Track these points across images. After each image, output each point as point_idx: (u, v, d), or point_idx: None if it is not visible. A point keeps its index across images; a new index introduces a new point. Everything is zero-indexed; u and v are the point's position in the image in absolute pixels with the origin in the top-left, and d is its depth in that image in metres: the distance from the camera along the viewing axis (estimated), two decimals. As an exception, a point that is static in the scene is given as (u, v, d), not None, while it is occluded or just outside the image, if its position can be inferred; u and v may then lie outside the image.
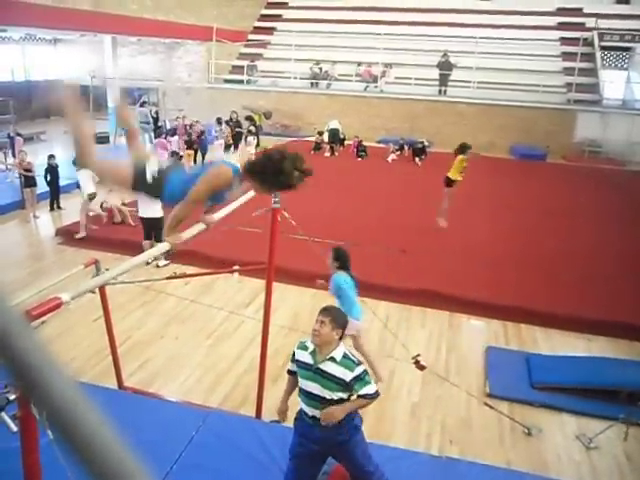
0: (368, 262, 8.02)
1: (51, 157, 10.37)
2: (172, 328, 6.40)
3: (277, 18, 24.77)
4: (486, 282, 7.57)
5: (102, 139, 17.83)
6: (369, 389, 3.16)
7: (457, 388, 5.17)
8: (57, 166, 10.50)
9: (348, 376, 3.10)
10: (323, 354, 3.16)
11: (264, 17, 25.05)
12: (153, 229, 7.86)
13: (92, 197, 8.96)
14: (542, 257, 8.72)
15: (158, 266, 7.95)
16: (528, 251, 8.97)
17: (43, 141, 18.87)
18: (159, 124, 17.73)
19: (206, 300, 6.75)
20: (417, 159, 16.37)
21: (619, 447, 4.69)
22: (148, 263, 8.02)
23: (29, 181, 10.19)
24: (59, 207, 10.84)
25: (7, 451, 2.66)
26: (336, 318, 3.18)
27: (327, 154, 17.07)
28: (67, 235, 9.20)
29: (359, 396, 3.17)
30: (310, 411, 3.24)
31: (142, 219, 8.00)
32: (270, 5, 25.43)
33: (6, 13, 11.99)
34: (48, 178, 10.45)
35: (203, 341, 6.13)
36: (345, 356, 3.17)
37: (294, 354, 3.36)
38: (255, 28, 24.51)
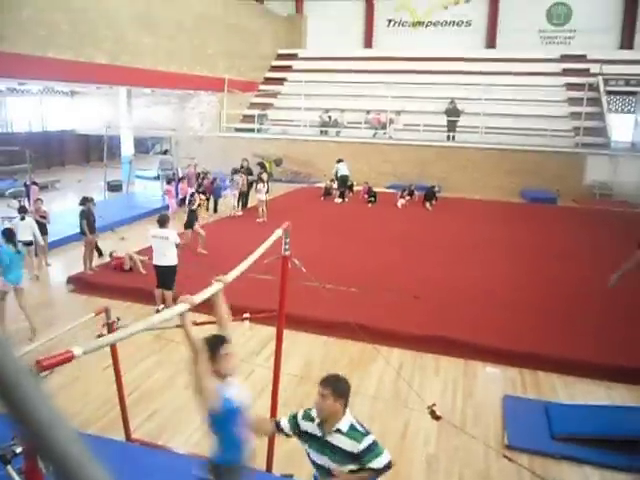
0: (380, 308, 7.95)
1: (90, 200, 9.91)
2: (181, 378, 6.29)
3: (287, 69, 25.53)
4: (501, 328, 7.44)
5: (115, 187, 18.18)
6: (380, 461, 2.98)
7: (474, 439, 5.00)
8: (92, 211, 9.89)
9: (357, 448, 2.97)
10: (330, 426, 3.04)
11: (275, 68, 25.82)
12: (166, 277, 7.86)
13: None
14: (558, 302, 8.58)
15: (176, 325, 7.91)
16: (543, 296, 8.84)
17: (57, 189, 19.23)
18: (172, 172, 18.03)
19: (216, 348, 6.66)
20: (428, 204, 16.43)
21: (647, 503, 4.48)
22: (158, 311, 8.01)
23: (42, 229, 10.30)
24: (100, 254, 10.50)
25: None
26: (337, 389, 3.03)
27: (337, 200, 17.20)
28: (78, 283, 9.23)
29: (370, 469, 2.99)
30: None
31: (156, 267, 8.02)
32: (280, 57, 26.25)
33: (27, 68, 12.43)
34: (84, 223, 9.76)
35: (213, 390, 6.02)
36: (352, 427, 3.03)
37: (298, 424, 3.21)
38: (266, 79, 25.23)
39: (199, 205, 11.47)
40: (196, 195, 11.58)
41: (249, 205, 15.44)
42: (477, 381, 6.46)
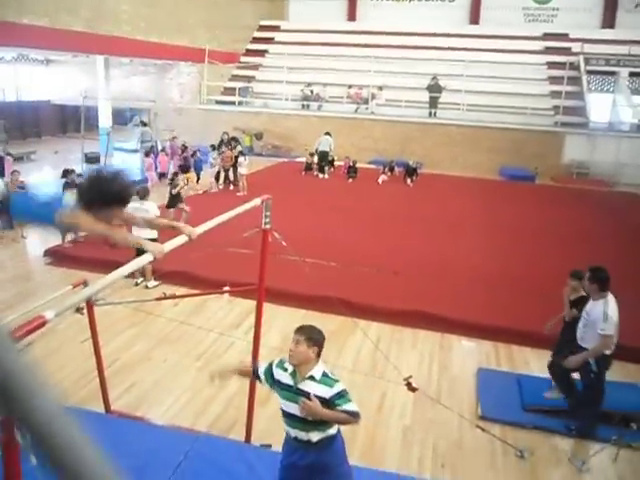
0: (360, 284, 8.02)
1: (71, 172, 10.13)
2: (161, 350, 6.32)
3: (269, 41, 25.11)
4: (477, 303, 7.57)
5: (93, 159, 17.84)
6: (351, 406, 3.10)
7: (449, 410, 5.13)
8: (74, 182, 9.89)
9: (328, 393, 3.07)
10: (302, 374, 3.13)
11: (256, 40, 25.38)
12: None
13: None
14: (534, 277, 8.74)
15: (147, 287, 7.89)
16: (519, 272, 9.00)
17: (33, 161, 18.82)
18: (152, 144, 17.74)
19: (196, 321, 6.68)
20: (409, 180, 16.48)
21: (611, 469, 4.66)
22: (137, 284, 7.98)
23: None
24: None
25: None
26: (311, 336, 3.14)
27: (320, 175, 17.17)
28: (55, 255, 9.11)
29: (343, 411, 3.10)
30: (293, 432, 3.20)
31: None
32: (262, 28, 25.79)
33: (0, 34, 12.05)
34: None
35: (192, 363, 6.05)
36: (325, 374, 3.14)
37: (272, 372, 3.30)
38: (247, 51, 24.82)
39: (182, 187, 11.14)
40: (179, 177, 11.21)
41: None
42: (453, 354, 6.59)
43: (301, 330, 3.18)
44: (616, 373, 6.17)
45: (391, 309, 7.30)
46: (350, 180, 16.66)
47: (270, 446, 4.55)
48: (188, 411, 5.22)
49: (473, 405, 5.48)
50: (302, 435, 3.18)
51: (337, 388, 3.10)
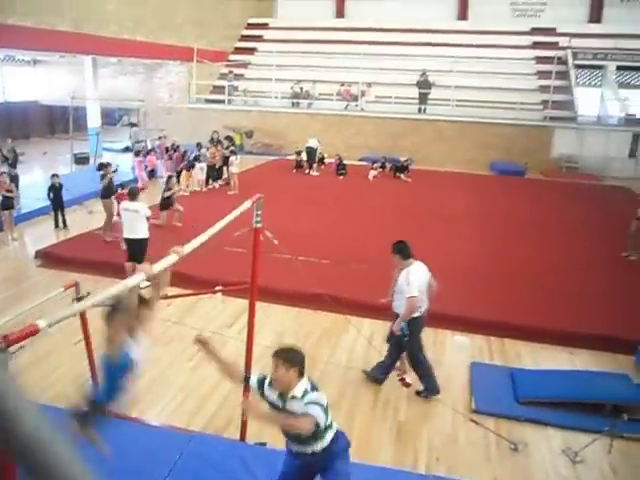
0: (352, 280, 8.03)
1: (54, 176, 10.63)
2: (154, 351, 6.30)
3: (258, 39, 25.04)
4: (469, 297, 7.61)
5: (82, 160, 17.75)
6: (312, 409, 3.07)
7: (443, 405, 5.16)
8: (61, 185, 10.66)
9: (303, 404, 3.09)
10: (287, 395, 3.16)
11: (245, 38, 25.30)
12: (137, 250, 7.76)
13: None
14: (524, 272, 8.80)
15: (140, 288, 7.85)
16: (511, 266, 9.05)
17: (22, 163, 18.64)
18: (142, 144, 17.64)
19: (189, 321, 6.67)
20: (402, 176, 16.55)
21: (605, 460, 4.70)
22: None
23: (8, 203, 10.07)
24: (65, 225, 10.86)
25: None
26: (287, 357, 3.15)
27: (313, 173, 17.21)
28: (46, 257, 9.06)
29: (302, 413, 3.08)
30: (295, 448, 3.28)
31: (126, 240, 7.92)
32: (251, 26, 25.71)
33: (-16, 35, 11.94)
34: (51, 196, 10.62)
35: (185, 363, 6.04)
36: (305, 391, 3.14)
37: (264, 389, 3.31)
38: (236, 49, 24.72)
39: (175, 192, 11.01)
40: (173, 180, 11.12)
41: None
42: (446, 349, 6.63)
43: (277, 354, 3.18)
44: (606, 364, 6.25)
45: (383, 305, 7.30)
46: (341, 177, 16.67)
47: (265, 444, 4.56)
48: (183, 411, 5.22)
49: (467, 399, 5.51)
50: (304, 449, 3.22)
51: (307, 398, 3.11)
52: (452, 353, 6.57)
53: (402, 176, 16.51)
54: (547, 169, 18.89)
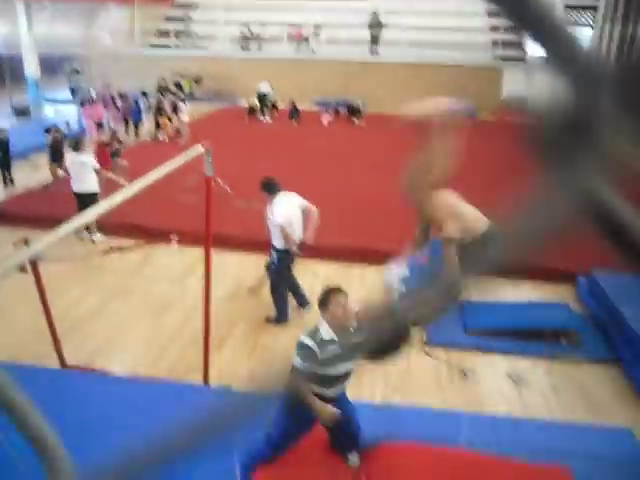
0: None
1: (0, 131, 10.19)
2: (113, 303, 6.31)
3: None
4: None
5: (23, 112, 16.92)
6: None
7: (397, 340, 5.39)
8: (8, 139, 10.27)
9: None
10: (350, 326, 3.24)
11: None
12: (87, 204, 7.56)
13: None
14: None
15: (93, 242, 7.75)
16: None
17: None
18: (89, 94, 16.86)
19: (146, 272, 6.68)
20: (355, 119, 16.49)
21: (545, 381, 5.09)
22: (82, 239, 7.82)
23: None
24: (11, 180, 10.51)
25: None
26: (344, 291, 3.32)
27: (261, 118, 16.94)
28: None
29: None
30: (333, 392, 3.33)
31: (75, 194, 7.69)
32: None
33: None
34: None
35: (145, 313, 6.09)
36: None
37: (315, 353, 3.15)
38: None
39: (115, 133, 10.66)
40: (118, 134, 10.68)
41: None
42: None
43: (338, 291, 3.31)
44: (546, 293, 6.63)
45: (337, 247, 7.46)
46: (295, 123, 16.49)
47: (230, 387, 4.71)
48: (145, 360, 5.30)
49: (419, 332, 5.79)
50: (340, 389, 3.38)
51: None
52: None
53: (356, 120, 16.45)
54: (497, 110, 19.11)
